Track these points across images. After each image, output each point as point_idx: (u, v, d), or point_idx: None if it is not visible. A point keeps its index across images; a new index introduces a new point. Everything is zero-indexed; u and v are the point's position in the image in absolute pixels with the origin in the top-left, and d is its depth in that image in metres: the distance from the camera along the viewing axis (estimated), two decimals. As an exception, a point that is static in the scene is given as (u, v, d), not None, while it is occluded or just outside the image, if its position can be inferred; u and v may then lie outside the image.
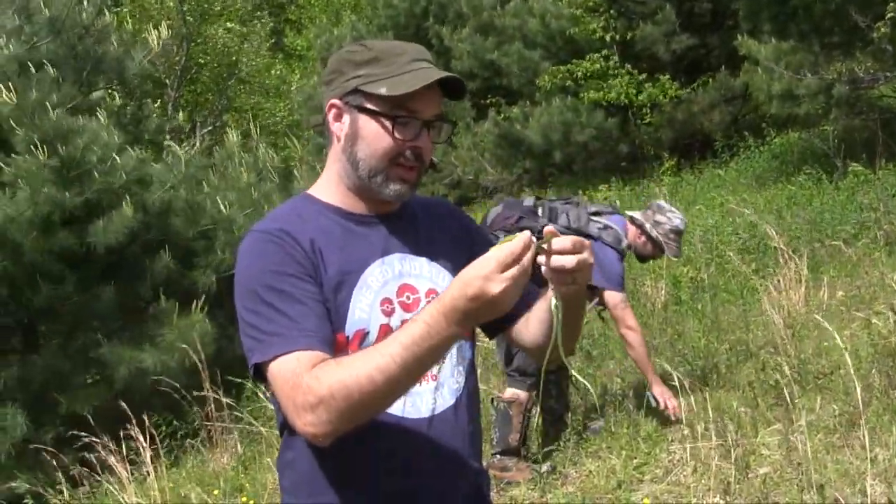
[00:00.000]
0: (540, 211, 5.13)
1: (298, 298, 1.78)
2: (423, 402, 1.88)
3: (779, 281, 6.68)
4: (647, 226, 5.20)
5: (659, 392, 5.17)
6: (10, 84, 6.34)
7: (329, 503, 1.86)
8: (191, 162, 7.25)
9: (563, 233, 5.62)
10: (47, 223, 6.26)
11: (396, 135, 1.84)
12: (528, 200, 5.24)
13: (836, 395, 4.93)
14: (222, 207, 7.05)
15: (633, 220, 5.25)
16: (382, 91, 1.82)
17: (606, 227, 5.11)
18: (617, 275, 5.10)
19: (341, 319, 1.83)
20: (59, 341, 6.63)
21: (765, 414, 4.91)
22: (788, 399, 4.59)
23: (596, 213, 5.18)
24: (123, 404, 5.47)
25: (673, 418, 5.10)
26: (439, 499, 1.89)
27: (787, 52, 10.58)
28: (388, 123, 1.84)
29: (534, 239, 1.61)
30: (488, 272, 1.57)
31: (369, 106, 1.85)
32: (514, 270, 1.57)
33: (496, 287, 1.56)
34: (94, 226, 6.40)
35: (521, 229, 5.67)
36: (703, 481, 4.35)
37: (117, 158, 6.65)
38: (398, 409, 1.83)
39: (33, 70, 6.63)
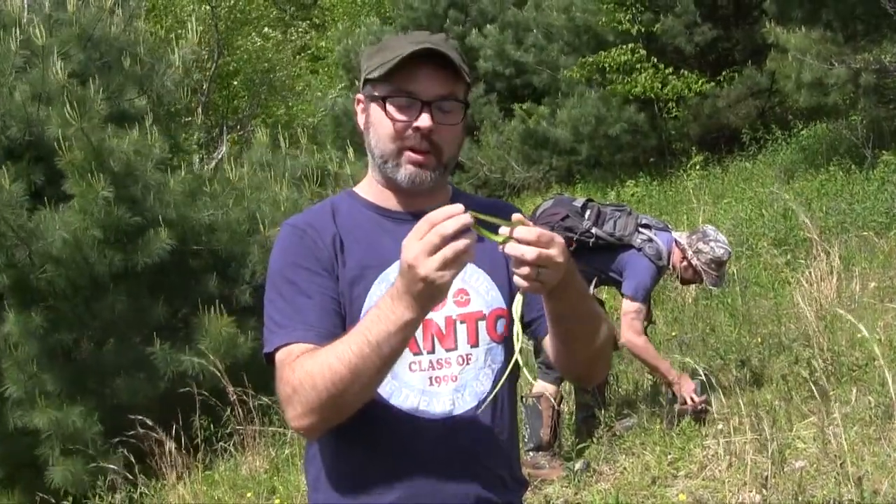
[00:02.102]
0: (587, 213, 5.11)
1: (306, 291, 1.81)
2: (439, 402, 1.85)
3: (810, 273, 6.62)
4: (689, 252, 5.15)
5: (679, 389, 5.13)
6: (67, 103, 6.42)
7: (347, 497, 1.86)
8: (221, 175, 7.36)
9: (604, 239, 5.57)
10: (102, 242, 6.41)
11: (392, 114, 1.82)
12: (579, 200, 5.24)
13: (872, 387, 4.88)
14: (261, 225, 7.16)
15: (677, 243, 5.19)
16: (375, 75, 1.83)
17: (651, 240, 5.08)
18: (643, 286, 5.05)
19: (356, 313, 1.83)
20: (108, 346, 6.80)
21: (799, 407, 4.87)
22: (823, 391, 4.55)
23: (645, 226, 5.14)
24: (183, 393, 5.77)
25: (700, 407, 5.07)
26: (451, 499, 1.84)
27: (817, 41, 10.45)
28: (384, 105, 1.84)
29: (471, 215, 1.53)
30: (409, 238, 1.55)
31: (374, 93, 1.86)
32: (430, 236, 1.51)
33: (410, 252, 1.53)
34: (137, 246, 6.55)
35: (566, 228, 5.67)
36: (738, 476, 4.31)
37: (169, 180, 6.84)
38: (412, 405, 1.84)
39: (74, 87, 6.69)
